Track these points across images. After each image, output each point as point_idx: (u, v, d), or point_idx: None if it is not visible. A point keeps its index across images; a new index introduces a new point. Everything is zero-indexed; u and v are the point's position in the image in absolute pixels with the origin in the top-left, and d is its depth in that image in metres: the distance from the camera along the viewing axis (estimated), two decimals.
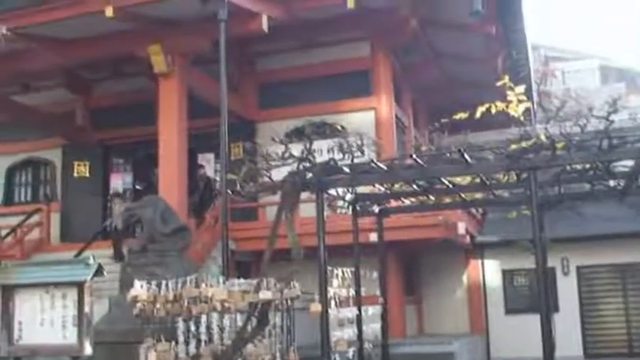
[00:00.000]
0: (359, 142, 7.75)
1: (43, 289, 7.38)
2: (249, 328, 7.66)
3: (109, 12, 12.05)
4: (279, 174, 8.36)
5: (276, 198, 8.91)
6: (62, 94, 17.71)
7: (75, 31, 13.27)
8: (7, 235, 16.43)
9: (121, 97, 17.04)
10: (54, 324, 7.37)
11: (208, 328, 8.03)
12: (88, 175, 18.00)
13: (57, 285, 7.33)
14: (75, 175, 18.08)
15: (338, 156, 8.17)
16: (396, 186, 9.42)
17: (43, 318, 7.43)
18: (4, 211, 17.90)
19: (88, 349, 7.20)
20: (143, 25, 13.15)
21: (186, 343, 7.97)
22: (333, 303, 8.53)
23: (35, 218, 17.11)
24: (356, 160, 7.99)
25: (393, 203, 10.81)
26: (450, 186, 9.18)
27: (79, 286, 7.18)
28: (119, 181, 18.46)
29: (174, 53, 13.40)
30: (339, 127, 15.11)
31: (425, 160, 8.02)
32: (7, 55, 12.71)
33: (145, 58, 13.44)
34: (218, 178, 16.69)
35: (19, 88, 17.15)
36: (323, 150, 11.04)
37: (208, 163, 17.60)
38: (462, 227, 13.89)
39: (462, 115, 8.01)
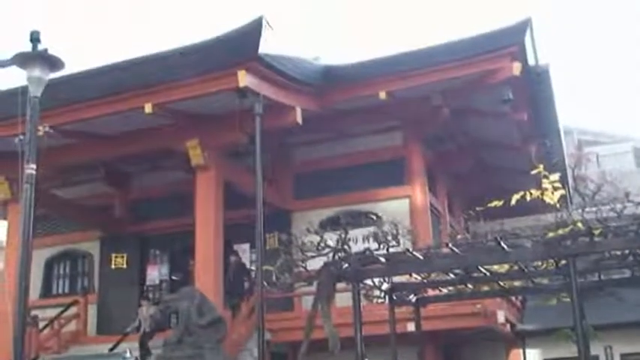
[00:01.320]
0: (394, 231, 7.76)
1: None
2: None
3: (148, 108, 12.45)
4: (314, 263, 8.36)
5: (313, 288, 8.89)
6: (100, 187, 18.11)
7: (114, 126, 13.70)
8: (45, 327, 16.48)
9: (158, 190, 17.36)
10: None
11: None
12: (125, 266, 18.16)
13: None
14: (112, 266, 18.25)
15: (373, 245, 8.17)
16: (433, 275, 9.33)
17: None
18: (42, 304, 17.98)
19: None
20: (181, 120, 13.52)
21: None
22: None
23: (73, 310, 17.18)
24: (392, 250, 7.97)
25: (430, 292, 10.68)
26: (488, 274, 9.07)
27: None
28: (155, 273, 18.53)
29: (210, 147, 13.70)
30: (374, 216, 15.15)
31: (461, 248, 7.97)
32: (48, 150, 13.08)
33: (182, 152, 13.74)
34: (254, 268, 16.73)
35: (58, 182, 17.57)
36: (358, 239, 10.99)
37: (244, 254, 17.62)
38: (501, 316, 13.60)
39: (497, 203, 7.99)
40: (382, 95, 13.90)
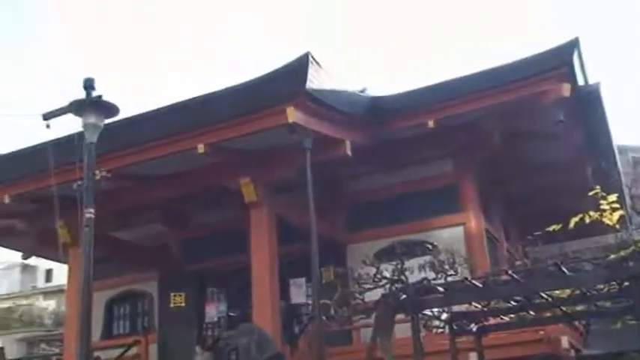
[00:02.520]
0: (451, 260, 7.69)
1: None
2: None
3: (200, 149, 12.67)
4: (372, 295, 8.32)
5: (371, 320, 8.84)
6: (157, 228, 18.39)
7: (168, 167, 13.95)
8: None
9: (214, 228, 17.52)
10: None
11: None
12: (184, 305, 18.36)
13: None
14: (171, 305, 18.47)
15: (430, 274, 8.11)
16: (493, 302, 9.19)
17: None
18: (103, 345, 18.22)
19: None
20: (233, 158, 13.70)
21: None
22: None
23: (134, 350, 17.38)
24: (450, 278, 7.90)
25: (491, 320, 10.51)
26: (549, 299, 8.89)
27: None
28: (214, 310, 18.67)
29: (263, 183, 13.84)
30: (429, 245, 15.02)
31: (521, 274, 7.84)
32: (104, 194, 13.40)
33: (235, 190, 13.89)
34: (310, 302, 16.71)
35: (116, 225, 17.90)
36: (414, 268, 10.94)
37: (300, 288, 17.63)
38: (565, 341, 13.24)
39: (555, 227, 7.87)
40: (431, 124, 13.88)
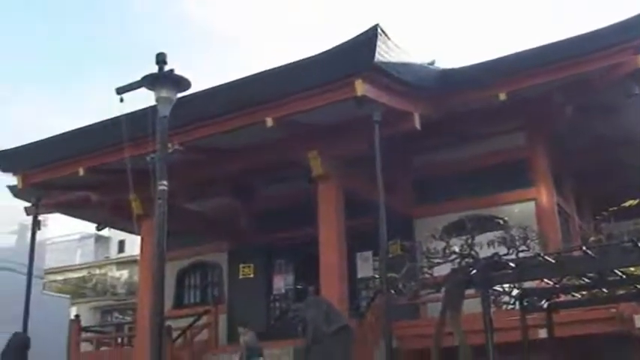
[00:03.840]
0: (523, 235, 7.56)
1: None
2: None
3: (269, 122, 12.75)
4: (440, 270, 8.27)
5: (439, 294, 8.80)
6: (227, 200, 18.67)
7: (238, 141, 14.11)
8: (178, 337, 17.12)
9: (282, 201, 17.68)
10: None
11: None
12: (252, 276, 18.69)
13: None
14: (240, 276, 18.82)
15: (500, 249, 8.00)
16: (565, 279, 9.02)
17: None
18: (174, 314, 18.68)
19: None
20: (301, 132, 13.75)
21: None
22: None
23: (204, 320, 17.77)
24: (521, 254, 7.77)
25: (563, 297, 10.32)
26: (623, 277, 8.67)
27: None
28: (282, 282, 18.94)
29: (330, 156, 13.87)
30: (500, 221, 14.80)
31: (595, 251, 7.66)
32: (177, 167, 13.67)
33: (303, 163, 13.96)
34: (377, 276, 16.74)
35: (187, 197, 18.23)
36: (483, 244, 10.82)
37: (366, 262, 17.70)
38: (638, 320, 12.94)
39: (632, 203, 7.65)
40: (502, 96, 13.59)
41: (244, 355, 12.88)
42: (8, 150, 16.13)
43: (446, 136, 16.12)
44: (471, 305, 10.45)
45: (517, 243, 7.68)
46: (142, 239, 16.92)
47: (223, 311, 18.47)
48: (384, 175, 12.44)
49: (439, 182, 16.26)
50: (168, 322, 15.53)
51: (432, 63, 15.72)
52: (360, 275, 17.51)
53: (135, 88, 10.33)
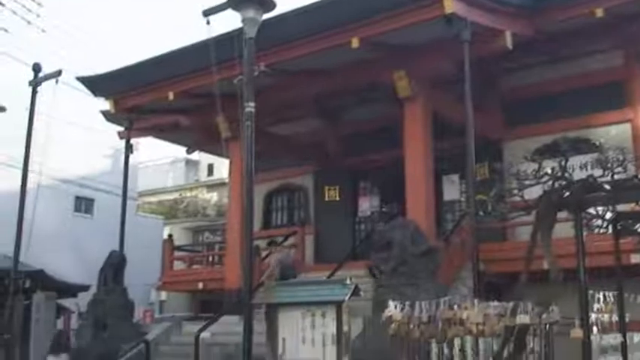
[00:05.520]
0: (620, 157, 7.26)
1: (304, 308, 7.75)
2: (505, 352, 7.44)
3: (355, 43, 12.54)
4: (530, 193, 8.08)
5: (525, 218, 8.64)
6: (313, 123, 18.73)
7: (323, 62, 13.98)
8: (266, 256, 17.57)
9: (368, 123, 17.59)
10: (314, 341, 7.70)
11: (462, 350, 7.92)
12: (338, 198, 18.85)
13: (317, 304, 7.66)
14: (326, 199, 19.02)
15: (594, 172, 7.72)
16: None
17: (304, 335, 7.79)
18: (262, 235, 19.12)
19: None
20: (387, 52, 13.50)
21: None
22: (594, 328, 8.04)
23: (290, 240, 18.14)
24: (616, 177, 7.49)
25: None
26: None
27: (338, 305, 7.45)
28: (367, 204, 19.03)
29: (417, 77, 13.59)
30: (594, 143, 14.31)
31: None
32: (262, 89, 13.74)
33: (389, 84, 13.76)
34: (463, 199, 16.59)
35: (274, 120, 18.37)
36: (575, 167, 10.52)
37: (453, 184, 17.53)
38: None
39: None
40: (599, 13, 12.88)
41: (278, 274, 13.15)
42: (101, 75, 16.55)
43: (538, 56, 15.51)
44: (562, 229, 10.28)
45: (613, 165, 7.37)
46: (231, 162, 17.24)
47: (310, 232, 18.80)
48: (473, 96, 12.12)
49: (530, 104, 15.75)
50: (256, 242, 15.96)
51: None
52: (446, 198, 17.39)
53: (221, 10, 10.35)
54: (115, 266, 16.03)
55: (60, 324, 19.60)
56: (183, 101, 16.05)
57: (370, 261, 13.42)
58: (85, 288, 20.06)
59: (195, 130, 17.85)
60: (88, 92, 17.09)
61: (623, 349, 8.72)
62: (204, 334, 12.98)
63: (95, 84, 16.66)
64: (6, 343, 13.57)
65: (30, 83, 15.20)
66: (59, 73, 14.78)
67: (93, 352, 14.54)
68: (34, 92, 14.99)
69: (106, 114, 18.17)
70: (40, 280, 18.53)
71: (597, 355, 8.14)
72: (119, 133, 19.27)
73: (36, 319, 15.16)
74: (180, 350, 13.90)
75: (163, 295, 26.06)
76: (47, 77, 15.02)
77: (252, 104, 9.53)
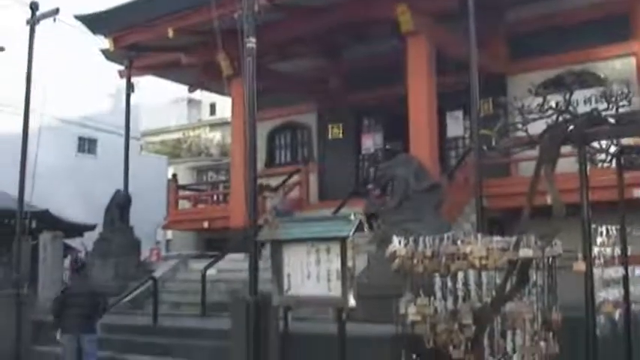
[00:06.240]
0: (624, 90, 7.17)
1: (309, 244, 7.78)
2: (508, 286, 7.51)
3: None
4: (532, 128, 8.02)
5: (529, 153, 8.62)
6: (315, 61, 18.54)
7: None
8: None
9: (370, 60, 17.41)
10: (319, 277, 7.75)
11: (465, 284, 7.99)
12: (341, 136, 18.82)
13: (322, 240, 7.68)
14: (330, 137, 19.00)
15: (598, 106, 7.64)
16: None
17: (310, 271, 7.82)
18: (266, 173, 19.15)
19: (352, 302, 7.52)
20: None
21: (444, 299, 8.02)
22: (597, 262, 8.08)
23: (295, 178, 18.18)
24: (620, 110, 7.41)
25: None
26: None
27: (342, 241, 7.48)
28: (370, 142, 19.01)
29: (420, 11, 13.41)
30: (598, 76, 14.18)
31: None
32: (263, 25, 13.54)
33: (392, 19, 13.56)
34: (467, 136, 16.55)
35: (275, 57, 18.16)
36: (580, 101, 10.42)
37: (456, 121, 17.46)
38: None
39: None
40: None
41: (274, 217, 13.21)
42: (99, 12, 16.32)
43: None
44: (566, 165, 10.26)
45: (617, 98, 7.28)
46: (233, 100, 17.14)
47: (314, 170, 18.83)
48: (475, 31, 11.95)
49: (534, 38, 15.56)
50: (260, 181, 16.01)
51: None
52: (449, 135, 17.36)
53: None
54: (120, 205, 16.12)
55: (67, 263, 19.85)
56: (184, 38, 15.84)
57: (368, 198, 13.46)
58: (91, 227, 20.24)
59: (196, 68, 17.70)
60: (88, 31, 16.89)
61: (625, 282, 8.80)
62: (211, 271, 13.14)
63: (94, 22, 16.46)
64: (15, 282, 13.74)
65: (27, 22, 14.99)
66: (57, 11, 14.54)
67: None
68: (32, 31, 14.78)
69: (105, 52, 18.00)
70: (46, 220, 18.68)
71: (599, 287, 8.20)
72: (119, 72, 19.14)
73: (43, 259, 15.29)
74: (187, 287, 14.10)
75: (169, 234, 26.30)
76: (45, 15, 14.78)
77: (253, 40, 9.42)
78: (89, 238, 18.82)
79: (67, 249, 20.12)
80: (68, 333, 9.66)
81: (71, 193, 23.58)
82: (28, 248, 15.43)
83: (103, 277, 15.06)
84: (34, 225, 16.41)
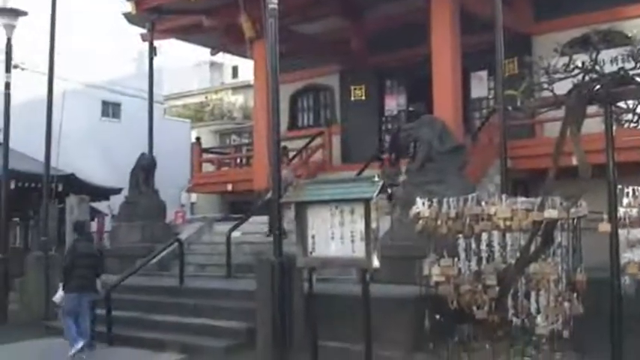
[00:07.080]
0: None
1: (332, 206, 7.80)
2: (532, 247, 7.51)
3: None
4: (558, 88, 7.93)
5: (554, 114, 8.53)
6: (337, 22, 18.35)
7: None
8: (294, 157, 17.70)
9: (393, 20, 17.20)
10: (343, 238, 7.78)
11: (489, 245, 8.00)
12: (364, 98, 18.73)
13: (345, 201, 7.71)
14: (352, 99, 18.92)
15: (624, 65, 7.53)
16: None
17: (334, 232, 7.86)
18: (289, 135, 19.15)
19: (376, 263, 7.56)
20: None
21: (468, 260, 8.04)
22: (622, 223, 8.03)
23: (318, 141, 18.18)
24: None
25: None
26: None
27: (366, 202, 7.50)
28: (393, 103, 18.90)
29: None
30: (625, 35, 13.90)
31: None
32: None
33: None
34: (491, 96, 16.39)
35: (297, 18, 18.01)
36: (606, 60, 10.25)
37: (480, 82, 17.29)
38: None
39: None
40: None
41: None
42: None
43: None
44: (592, 125, 10.14)
45: None
46: (255, 62, 17.08)
47: (337, 132, 18.80)
48: None
49: None
50: (283, 143, 16.04)
51: None
52: (473, 96, 17.21)
53: None
54: (145, 169, 16.22)
55: (94, 226, 20.11)
56: (206, 1, 15.78)
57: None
58: (116, 191, 20.44)
59: (218, 30, 17.62)
60: None
61: None
62: (235, 233, 13.25)
63: None
64: (42, 245, 13.98)
65: None
66: None
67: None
68: None
69: (128, 16, 17.97)
70: (72, 183, 18.89)
71: (624, 248, 8.16)
72: (142, 35, 19.10)
73: (70, 222, 15.50)
74: (212, 249, 14.25)
75: (194, 197, 26.49)
76: None
77: (275, 1, 9.36)
78: (115, 202, 19.01)
79: (94, 212, 20.40)
80: (72, 292, 9.87)
81: (96, 157, 23.77)
82: (55, 211, 15.65)
83: (130, 240, 15.24)
84: (60, 188, 16.62)
